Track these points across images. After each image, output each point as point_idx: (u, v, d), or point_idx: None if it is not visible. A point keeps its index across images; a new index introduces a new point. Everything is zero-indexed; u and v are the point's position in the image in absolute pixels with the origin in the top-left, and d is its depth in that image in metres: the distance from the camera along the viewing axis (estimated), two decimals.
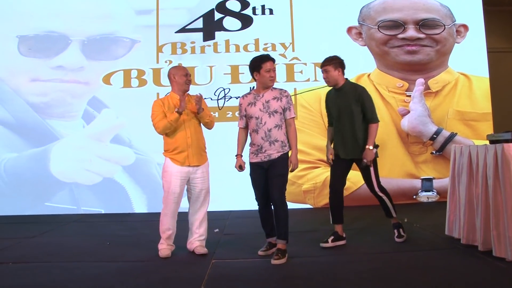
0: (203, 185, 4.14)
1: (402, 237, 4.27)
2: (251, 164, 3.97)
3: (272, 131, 3.85)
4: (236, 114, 6.61)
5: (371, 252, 3.99)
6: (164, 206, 4.05)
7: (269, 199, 3.92)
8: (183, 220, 4.22)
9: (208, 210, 6.26)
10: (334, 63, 4.14)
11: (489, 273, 3.34)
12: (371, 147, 4.08)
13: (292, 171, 3.90)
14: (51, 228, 5.48)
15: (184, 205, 4.19)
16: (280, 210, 3.82)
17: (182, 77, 4.08)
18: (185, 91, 4.11)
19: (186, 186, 4.13)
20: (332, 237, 4.23)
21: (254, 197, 4.01)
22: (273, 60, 3.91)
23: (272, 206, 3.92)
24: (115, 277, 3.47)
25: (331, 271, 3.50)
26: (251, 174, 4.00)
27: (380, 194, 4.25)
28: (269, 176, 3.86)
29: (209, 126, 4.24)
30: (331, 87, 4.31)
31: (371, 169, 4.16)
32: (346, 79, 4.24)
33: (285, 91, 3.98)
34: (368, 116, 4.14)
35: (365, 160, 4.09)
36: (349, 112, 4.13)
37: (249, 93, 4.07)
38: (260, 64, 3.88)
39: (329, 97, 4.36)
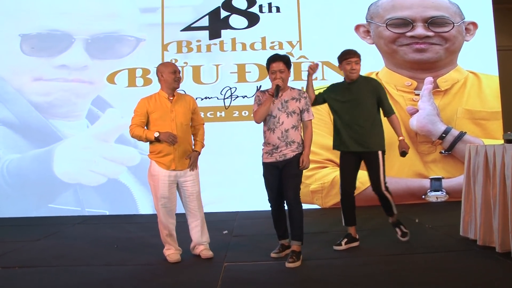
0: (193, 189, 3.95)
1: (406, 235, 4.20)
2: (265, 164, 3.87)
3: (289, 131, 3.76)
4: (243, 113, 6.56)
5: (385, 254, 3.92)
6: (157, 212, 3.90)
7: (283, 200, 3.85)
8: (181, 221, 4.12)
9: (214, 211, 6.31)
10: (359, 56, 4.14)
11: (511, 275, 3.27)
12: (402, 137, 4.14)
13: (302, 169, 3.79)
14: (56, 230, 5.40)
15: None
16: (295, 211, 3.76)
17: (170, 75, 3.86)
18: (174, 89, 3.92)
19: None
20: (345, 240, 4.16)
21: (267, 198, 3.92)
22: (280, 60, 3.76)
23: (287, 207, 3.84)
24: (127, 282, 3.41)
25: (347, 274, 3.43)
26: (264, 175, 3.90)
27: (385, 193, 4.18)
28: (283, 176, 3.77)
29: None
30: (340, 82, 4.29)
31: (381, 165, 4.09)
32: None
33: (304, 92, 3.91)
34: (387, 108, 4.15)
35: (404, 150, 4.10)
36: (364, 105, 4.07)
37: (267, 90, 3.93)
38: (267, 65, 3.81)
39: (334, 90, 4.25)
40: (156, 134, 3.75)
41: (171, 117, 3.84)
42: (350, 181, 4.20)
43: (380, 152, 4.10)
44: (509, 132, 4.14)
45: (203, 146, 4.05)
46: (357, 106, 4.08)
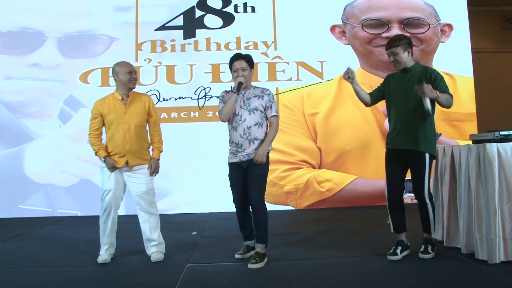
0: (148, 186, 3.90)
1: (428, 253, 3.75)
2: (230, 164, 3.84)
3: (251, 128, 3.72)
4: (217, 114, 6.49)
5: (353, 256, 3.90)
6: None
7: (247, 201, 3.80)
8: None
9: (188, 212, 6.26)
10: (403, 43, 3.73)
11: (472, 276, 3.28)
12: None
13: (255, 162, 3.67)
14: (23, 232, 5.31)
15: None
16: (259, 212, 3.71)
17: (125, 75, 3.84)
18: (129, 89, 3.90)
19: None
20: (400, 248, 3.78)
21: (232, 199, 3.88)
22: (242, 59, 3.75)
23: (251, 209, 3.80)
24: (85, 283, 3.35)
25: (310, 276, 3.40)
26: (229, 175, 3.87)
27: (427, 201, 3.77)
28: (248, 177, 3.73)
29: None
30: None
31: (427, 167, 3.70)
32: (417, 62, 3.88)
33: (267, 89, 3.87)
34: (444, 89, 3.66)
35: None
36: (415, 95, 3.58)
37: (231, 90, 3.92)
38: (230, 65, 3.80)
39: (389, 79, 3.93)
40: (102, 158, 3.80)
41: (125, 120, 3.81)
42: (396, 179, 3.93)
43: None
44: (475, 133, 4.14)
45: (161, 151, 4.02)
46: (404, 98, 3.76)
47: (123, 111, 3.82)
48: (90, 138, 3.85)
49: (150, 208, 3.92)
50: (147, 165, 3.90)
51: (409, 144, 3.74)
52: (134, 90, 3.97)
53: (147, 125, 4.00)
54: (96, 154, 3.84)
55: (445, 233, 4.03)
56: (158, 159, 3.97)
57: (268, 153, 3.79)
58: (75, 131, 6.44)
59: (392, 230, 3.93)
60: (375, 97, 4.00)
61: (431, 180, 4.38)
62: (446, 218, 4.04)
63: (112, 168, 3.79)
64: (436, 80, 3.68)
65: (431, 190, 4.27)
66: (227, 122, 3.86)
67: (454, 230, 3.95)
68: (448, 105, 3.70)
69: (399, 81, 3.83)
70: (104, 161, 3.80)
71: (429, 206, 3.76)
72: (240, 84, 3.71)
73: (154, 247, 3.92)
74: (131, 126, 3.82)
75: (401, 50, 3.74)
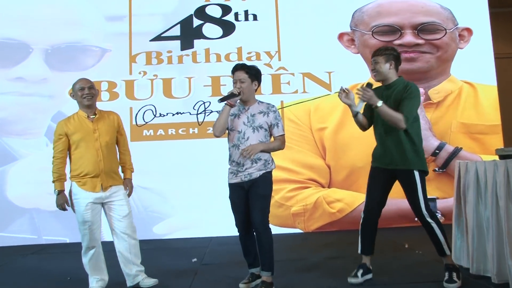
0: (128, 208, 3.82)
1: (454, 282, 3.57)
2: (230, 185, 3.76)
3: None
4: None
5: (367, 284, 3.76)
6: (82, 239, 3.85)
7: (251, 224, 3.69)
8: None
9: (186, 236, 6.13)
10: (386, 54, 3.77)
11: None
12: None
13: (242, 151, 3.59)
14: (4, 262, 5.18)
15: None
16: (263, 236, 3.60)
17: (77, 92, 3.76)
18: (87, 107, 3.78)
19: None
20: (361, 271, 3.84)
21: (234, 222, 3.78)
22: (242, 69, 3.72)
23: (254, 232, 3.68)
24: None
25: None
26: (230, 197, 3.78)
27: (429, 219, 3.67)
28: (250, 198, 3.65)
29: None
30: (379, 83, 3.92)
31: (419, 184, 3.70)
32: (400, 76, 3.84)
33: (273, 105, 3.82)
34: (405, 108, 3.63)
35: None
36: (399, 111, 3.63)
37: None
38: (232, 75, 3.77)
39: (375, 93, 3.85)
40: (57, 192, 3.80)
41: (95, 137, 3.74)
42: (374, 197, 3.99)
43: None
44: (502, 147, 4.02)
45: (132, 171, 4.00)
46: None
47: (91, 129, 3.75)
48: (54, 163, 3.80)
49: (133, 232, 3.84)
50: (122, 186, 3.85)
51: (396, 163, 3.76)
52: (99, 107, 3.92)
53: (117, 144, 3.96)
54: (52, 181, 3.80)
55: (471, 259, 3.86)
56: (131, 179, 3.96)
57: (271, 172, 3.74)
58: None
59: (359, 251, 3.98)
60: (368, 117, 3.98)
61: (452, 199, 4.30)
62: (471, 242, 3.86)
63: (61, 207, 3.78)
64: (407, 97, 3.68)
65: (453, 211, 4.17)
66: (227, 140, 3.77)
67: (482, 256, 3.78)
68: (392, 123, 3.64)
69: (381, 98, 3.76)
70: (58, 195, 3.76)
71: (433, 225, 3.68)
72: (232, 95, 3.63)
73: (141, 273, 3.85)
74: (103, 144, 3.75)
75: (382, 60, 3.79)
